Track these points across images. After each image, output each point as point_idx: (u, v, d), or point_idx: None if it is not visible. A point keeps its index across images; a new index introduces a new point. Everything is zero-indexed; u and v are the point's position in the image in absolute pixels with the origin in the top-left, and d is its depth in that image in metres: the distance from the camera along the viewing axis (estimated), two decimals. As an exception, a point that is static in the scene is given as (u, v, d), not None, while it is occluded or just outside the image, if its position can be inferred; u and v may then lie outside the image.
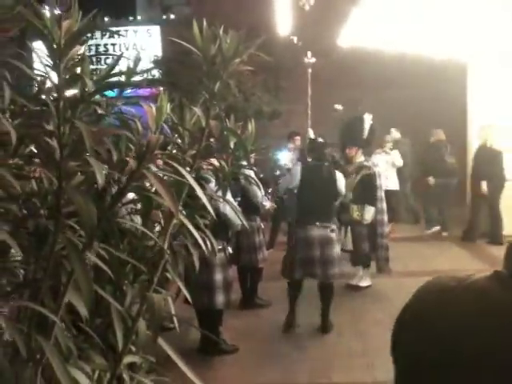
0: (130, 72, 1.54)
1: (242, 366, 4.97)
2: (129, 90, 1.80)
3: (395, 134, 11.24)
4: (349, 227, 6.98)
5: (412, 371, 0.90)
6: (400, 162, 10.52)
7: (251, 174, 6.25)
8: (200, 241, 1.34)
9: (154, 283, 1.39)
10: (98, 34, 16.62)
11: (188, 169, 1.44)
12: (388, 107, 12.92)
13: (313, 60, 8.68)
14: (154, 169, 1.23)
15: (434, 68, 11.22)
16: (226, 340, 5.27)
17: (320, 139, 8.36)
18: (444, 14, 8.32)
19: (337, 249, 5.78)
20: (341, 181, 5.92)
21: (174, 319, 1.62)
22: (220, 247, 5.03)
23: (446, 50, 9.97)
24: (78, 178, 1.17)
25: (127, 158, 1.17)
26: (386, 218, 6.99)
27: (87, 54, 1.29)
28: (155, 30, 16.81)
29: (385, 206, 6.97)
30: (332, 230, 5.76)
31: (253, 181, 2.42)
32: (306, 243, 5.71)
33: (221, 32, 1.43)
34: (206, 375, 4.78)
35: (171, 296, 1.55)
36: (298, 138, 9.99)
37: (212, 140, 1.60)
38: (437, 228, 10.33)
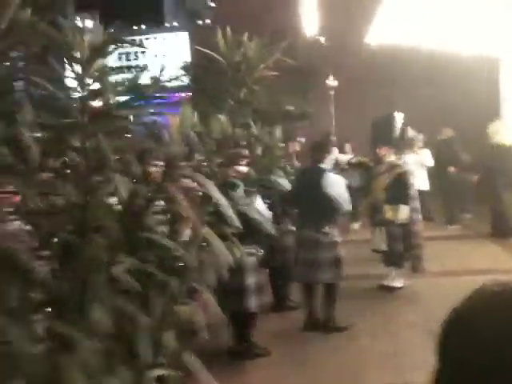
0: (155, 83, 1.54)
1: (274, 369, 4.94)
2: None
3: (411, 132, 10.97)
4: (382, 228, 6.87)
5: (457, 377, 0.89)
6: (430, 162, 10.30)
7: (284, 182, 6.27)
8: (224, 251, 1.32)
9: (181, 295, 1.38)
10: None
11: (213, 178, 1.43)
12: (419, 106, 12.72)
13: (335, 83, 8.64)
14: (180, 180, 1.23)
15: (466, 65, 10.99)
16: (257, 343, 5.26)
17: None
18: (475, 9, 8.14)
19: (330, 253, 5.67)
20: (334, 184, 5.68)
21: (203, 326, 1.60)
22: (252, 251, 5.03)
23: (478, 46, 9.76)
24: (104, 192, 1.17)
25: (153, 171, 1.17)
26: (419, 216, 6.86)
27: (117, 63, 1.29)
28: (183, 36, 16.91)
29: (418, 204, 6.85)
30: (324, 234, 5.66)
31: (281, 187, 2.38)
32: (300, 246, 5.81)
33: (245, 38, 1.41)
34: (238, 379, 4.79)
35: (200, 306, 1.54)
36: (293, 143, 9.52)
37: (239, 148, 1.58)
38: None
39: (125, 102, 1.15)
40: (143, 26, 18.92)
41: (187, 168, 1.27)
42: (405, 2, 7.97)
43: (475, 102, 12.65)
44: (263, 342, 5.33)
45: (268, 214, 4.88)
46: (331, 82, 8.46)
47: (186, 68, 12.18)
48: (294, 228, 6.34)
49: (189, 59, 15.21)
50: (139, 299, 1.38)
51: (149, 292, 1.37)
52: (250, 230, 4.87)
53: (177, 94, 9.52)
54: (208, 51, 1.41)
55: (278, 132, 1.66)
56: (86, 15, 18.54)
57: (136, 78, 1.30)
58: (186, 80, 12.84)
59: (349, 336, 5.53)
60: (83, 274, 1.11)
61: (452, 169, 10.24)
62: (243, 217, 3.40)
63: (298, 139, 9.08)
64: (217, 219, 1.47)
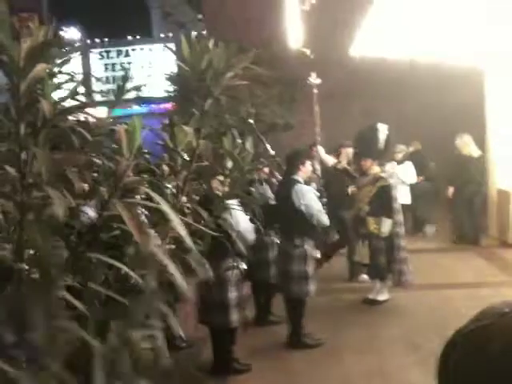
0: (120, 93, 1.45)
1: (255, 385, 4.84)
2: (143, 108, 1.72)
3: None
4: (366, 241, 6.81)
5: None
6: (412, 177, 10.24)
7: (266, 190, 6.17)
8: (174, 273, 1.23)
9: (138, 321, 1.29)
10: (113, 53, 16.77)
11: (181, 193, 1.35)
12: (403, 117, 12.76)
13: (318, 81, 8.51)
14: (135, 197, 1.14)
15: (451, 76, 11.05)
16: (238, 359, 5.15)
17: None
18: (460, 19, 8.18)
19: (298, 266, 5.57)
20: (303, 196, 5.55)
21: (164, 352, 1.50)
22: (234, 264, 4.94)
23: (462, 56, 9.82)
24: (42, 209, 1.08)
25: (101, 188, 1.08)
26: (402, 230, 6.82)
27: (103, 74, 1.21)
28: (170, 48, 16.90)
29: (401, 218, 6.80)
30: (295, 246, 5.58)
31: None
32: (278, 258, 5.82)
33: (210, 45, 1.33)
34: (220, 396, 4.68)
35: (161, 331, 1.44)
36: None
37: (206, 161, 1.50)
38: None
39: (61, 113, 1.06)
40: (130, 37, 18.87)
41: (138, 183, 1.18)
42: (390, 14, 7.98)
43: (461, 113, 12.73)
44: (244, 357, 5.23)
45: (250, 226, 4.78)
46: (314, 79, 8.34)
47: (171, 79, 12.14)
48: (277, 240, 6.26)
49: (175, 70, 15.14)
50: (93, 324, 1.29)
51: (102, 316, 1.28)
52: (230, 243, 4.79)
53: (161, 106, 9.43)
54: (177, 61, 1.35)
55: (249, 144, 1.59)
56: (72, 26, 18.46)
57: (75, 87, 1.20)
58: (170, 90, 12.79)
59: (332, 352, 5.44)
60: (22, 297, 1.02)
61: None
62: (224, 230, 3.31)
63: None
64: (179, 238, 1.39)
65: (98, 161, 1.15)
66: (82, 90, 1.24)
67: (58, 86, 1.10)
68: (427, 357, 5.10)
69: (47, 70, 1.03)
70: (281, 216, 5.72)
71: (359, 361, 5.19)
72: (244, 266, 5.11)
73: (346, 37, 10.46)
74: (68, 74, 1.18)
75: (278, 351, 5.56)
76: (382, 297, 6.90)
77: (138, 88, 1.74)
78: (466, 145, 9.92)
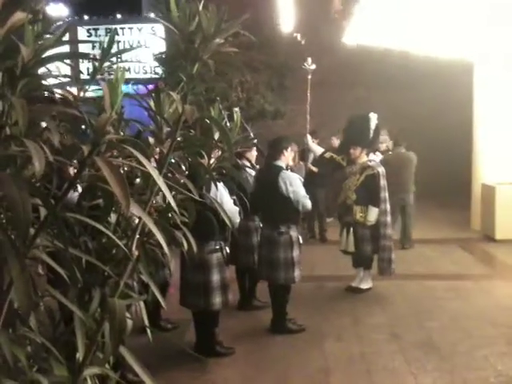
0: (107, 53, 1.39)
1: (237, 369, 4.83)
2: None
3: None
4: (351, 228, 6.81)
5: None
6: None
7: (251, 172, 6.11)
8: (161, 240, 1.19)
9: (119, 287, 1.25)
10: (102, 31, 16.54)
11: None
12: (394, 107, 12.76)
13: (313, 67, 8.36)
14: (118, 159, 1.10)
15: (440, 68, 11.06)
16: (222, 342, 5.14)
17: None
18: (450, 13, 8.17)
19: (284, 253, 5.52)
20: (289, 183, 5.49)
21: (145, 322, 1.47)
22: (217, 247, 4.91)
23: (452, 49, 9.82)
24: (21, 164, 1.03)
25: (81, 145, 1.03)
26: (389, 219, 6.83)
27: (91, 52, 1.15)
28: (159, 28, 16.69)
29: (388, 207, 6.81)
30: (280, 233, 5.55)
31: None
32: (261, 244, 5.75)
33: (200, 8, 1.28)
34: (201, 378, 4.67)
35: (143, 301, 1.41)
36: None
37: (192, 130, 1.45)
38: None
39: (42, 61, 1.00)
40: (119, 16, 18.57)
41: (121, 141, 1.13)
42: (382, 2, 7.94)
43: (449, 105, 12.77)
44: (228, 341, 5.22)
45: (234, 208, 4.74)
46: (309, 65, 8.20)
47: (159, 59, 12.01)
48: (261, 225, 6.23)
49: (163, 50, 14.99)
50: (74, 291, 1.25)
51: (84, 282, 1.24)
52: (216, 225, 4.75)
53: (150, 86, 9.27)
54: (163, 21, 1.29)
55: (236, 116, 1.54)
56: (60, 2, 18.08)
57: (62, 34, 1.14)
58: (159, 71, 12.64)
59: (315, 337, 5.45)
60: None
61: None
62: (208, 210, 3.28)
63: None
64: (166, 207, 1.34)
65: (78, 113, 1.09)
66: (66, 38, 1.18)
67: (40, 34, 1.05)
68: (408, 345, 5.15)
69: (29, 17, 0.98)
70: (264, 203, 5.64)
71: (341, 347, 5.20)
72: (227, 250, 5.08)
73: (338, 24, 10.39)
74: (51, 20, 1.12)
75: (261, 336, 5.56)
76: (365, 285, 6.93)
77: (123, 52, 1.68)
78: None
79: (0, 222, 1.05)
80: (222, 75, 8.68)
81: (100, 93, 1.80)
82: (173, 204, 1.15)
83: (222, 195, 4.57)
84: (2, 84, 0.94)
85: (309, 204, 5.59)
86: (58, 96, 1.33)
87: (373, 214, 6.65)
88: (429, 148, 10.50)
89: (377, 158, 9.33)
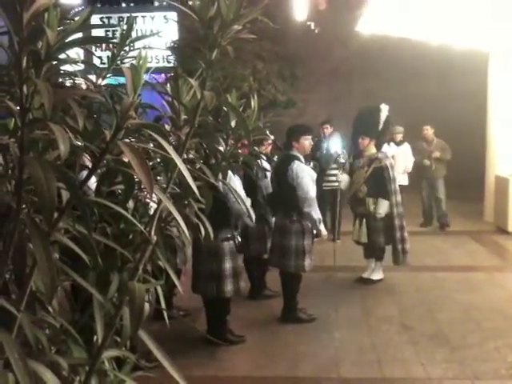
0: (125, 39, 1.40)
1: (248, 356, 4.86)
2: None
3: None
4: (364, 219, 6.79)
5: None
6: (410, 158, 10.07)
7: (266, 165, 6.13)
8: (182, 225, 1.20)
9: (138, 271, 1.26)
10: (115, 19, 16.54)
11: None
12: (407, 98, 12.66)
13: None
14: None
15: (455, 59, 10.94)
16: (232, 330, 5.18)
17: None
18: (466, 2, 8.07)
19: (296, 241, 5.52)
20: (299, 173, 5.45)
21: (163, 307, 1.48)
22: (229, 235, 4.92)
23: (468, 39, 9.70)
24: (44, 147, 1.04)
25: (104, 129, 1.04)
26: (401, 210, 6.79)
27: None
28: (172, 16, 16.66)
29: (399, 198, 6.77)
30: (292, 221, 5.55)
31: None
32: (274, 232, 5.80)
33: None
34: (212, 365, 4.70)
35: (161, 285, 1.42)
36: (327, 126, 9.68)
37: (210, 117, 1.45)
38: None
39: (67, 44, 1.01)
40: (131, 4, 18.57)
41: (143, 126, 1.13)
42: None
43: (464, 95, 12.64)
44: (238, 330, 5.25)
45: (246, 198, 4.74)
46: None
47: (172, 48, 11.98)
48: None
49: (176, 39, 14.97)
50: (94, 275, 1.27)
51: (105, 266, 1.26)
52: (229, 213, 4.78)
53: (163, 75, 9.31)
54: (182, 7, 1.29)
55: (253, 103, 1.53)
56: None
57: (86, 18, 1.15)
58: (172, 61, 12.65)
59: (326, 327, 5.47)
60: (22, 241, 0.99)
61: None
62: (221, 199, 3.29)
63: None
64: (184, 192, 1.35)
65: (101, 98, 1.10)
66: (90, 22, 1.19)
67: (63, 18, 1.06)
68: (419, 337, 5.15)
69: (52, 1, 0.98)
70: (278, 190, 5.71)
71: (351, 337, 5.21)
72: (238, 238, 5.10)
73: (352, 14, 10.30)
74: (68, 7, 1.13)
75: (272, 325, 5.59)
76: (377, 276, 6.92)
77: (141, 38, 1.69)
78: None
79: (24, 204, 1.07)
80: (239, 62, 8.66)
81: (111, 81, 1.81)
82: (195, 189, 1.16)
83: (235, 184, 4.58)
84: (27, 67, 0.95)
85: (309, 204, 5.48)
86: (78, 82, 1.34)
87: (383, 206, 6.62)
88: (442, 139, 10.36)
89: (390, 149, 9.29)
